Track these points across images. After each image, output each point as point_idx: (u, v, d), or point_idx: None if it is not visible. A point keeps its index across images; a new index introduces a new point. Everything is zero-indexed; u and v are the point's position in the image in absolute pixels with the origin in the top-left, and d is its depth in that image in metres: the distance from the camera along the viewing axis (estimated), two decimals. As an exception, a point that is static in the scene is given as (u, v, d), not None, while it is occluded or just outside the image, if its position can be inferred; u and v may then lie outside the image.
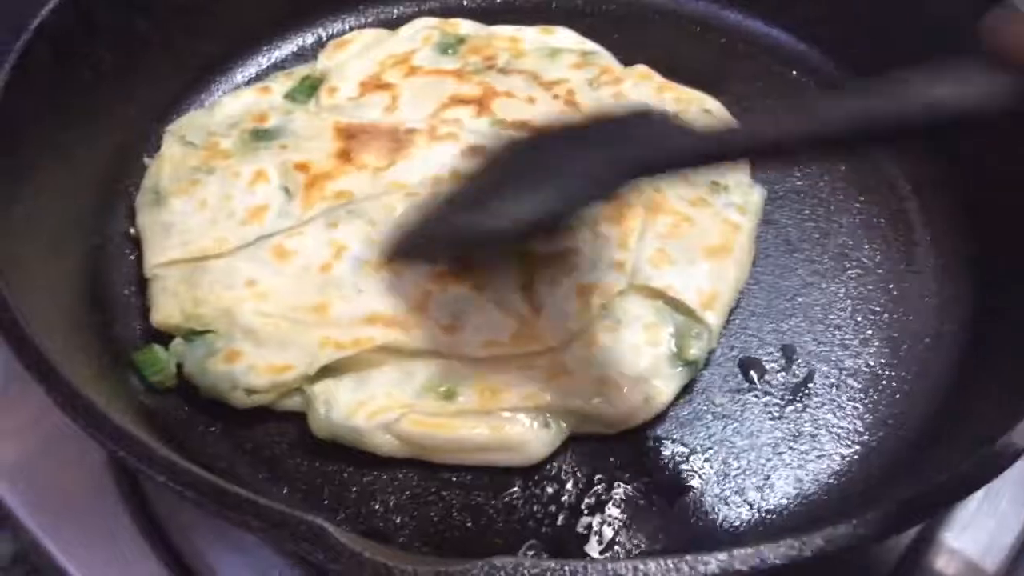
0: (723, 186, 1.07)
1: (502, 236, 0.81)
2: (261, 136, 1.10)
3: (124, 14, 1.11)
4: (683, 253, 1.00)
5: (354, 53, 1.22)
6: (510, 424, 0.89)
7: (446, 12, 1.33)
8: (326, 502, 0.88)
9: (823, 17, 1.27)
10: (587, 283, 0.96)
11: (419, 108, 1.14)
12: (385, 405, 0.88)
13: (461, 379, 0.91)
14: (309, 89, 1.18)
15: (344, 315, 0.93)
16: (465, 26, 1.26)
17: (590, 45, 1.25)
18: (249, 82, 1.26)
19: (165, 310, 0.96)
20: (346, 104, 1.15)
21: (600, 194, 0.79)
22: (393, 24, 1.32)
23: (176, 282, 0.98)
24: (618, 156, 0.77)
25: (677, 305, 0.96)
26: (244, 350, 0.91)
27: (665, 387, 0.92)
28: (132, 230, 1.06)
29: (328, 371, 0.91)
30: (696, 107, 1.16)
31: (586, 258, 0.98)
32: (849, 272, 1.05)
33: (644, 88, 1.17)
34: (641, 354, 0.93)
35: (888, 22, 1.20)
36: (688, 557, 0.65)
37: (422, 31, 1.25)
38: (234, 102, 1.16)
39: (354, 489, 0.88)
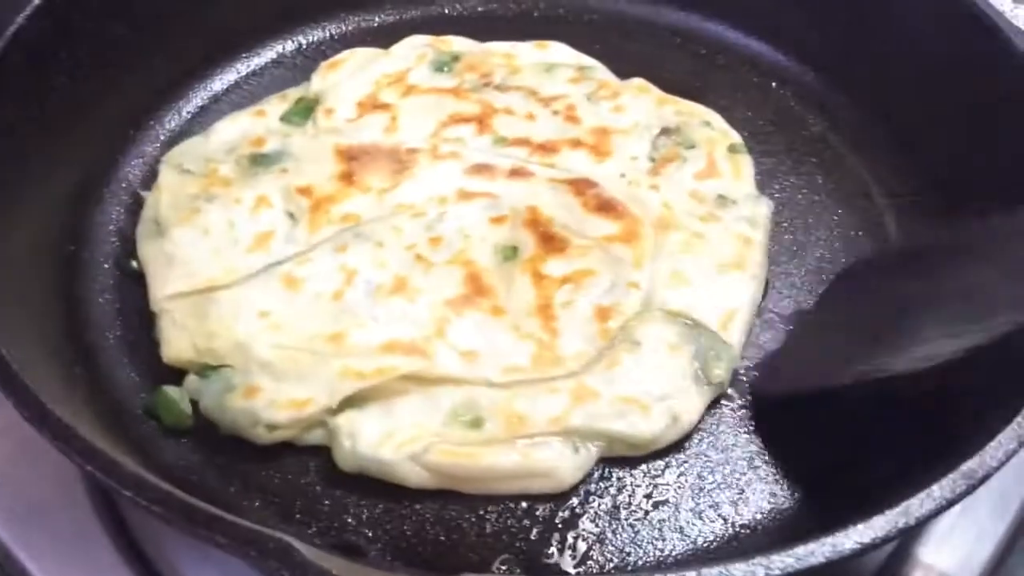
0: (731, 200, 1.07)
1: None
2: (260, 161, 1.09)
3: (101, 20, 1.10)
4: (698, 271, 1.00)
5: (347, 73, 1.21)
6: (539, 450, 0.87)
7: (428, 21, 1.33)
8: (298, 516, 0.87)
9: (802, 29, 1.27)
10: (604, 305, 0.96)
11: (419, 127, 1.13)
12: (412, 435, 0.87)
13: (486, 406, 0.89)
14: (305, 111, 1.16)
15: (362, 344, 0.92)
16: (458, 43, 1.26)
17: (586, 59, 1.24)
18: (228, 89, 1.25)
19: (176, 345, 0.94)
20: (344, 125, 1.13)
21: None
22: (374, 32, 1.32)
23: (185, 315, 0.96)
24: None
25: (697, 324, 0.96)
26: (262, 385, 0.90)
27: (692, 407, 0.92)
28: (134, 263, 1.03)
29: (350, 402, 0.89)
30: (697, 120, 1.16)
31: (601, 279, 0.97)
32: (824, 283, 1.05)
33: (643, 101, 1.17)
34: (665, 375, 0.92)
35: (866, 33, 1.21)
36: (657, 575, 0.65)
37: (415, 49, 1.24)
38: (229, 127, 1.14)
39: (327, 502, 0.88)
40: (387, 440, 0.87)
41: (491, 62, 1.22)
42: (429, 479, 0.87)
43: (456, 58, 1.23)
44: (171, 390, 0.93)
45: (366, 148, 1.10)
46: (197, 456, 0.91)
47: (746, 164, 1.12)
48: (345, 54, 1.24)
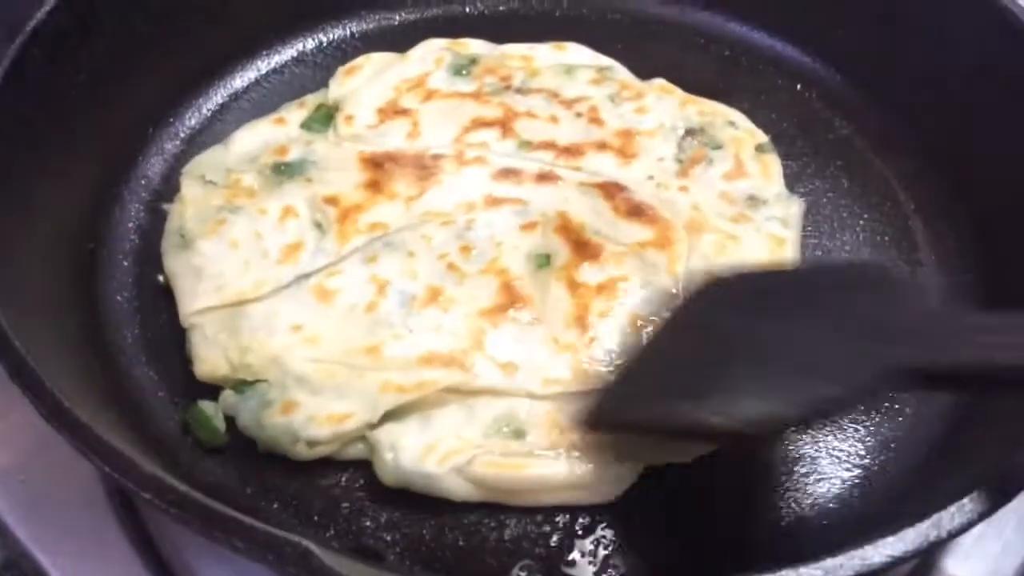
0: (762, 200, 1.06)
1: (726, 434, 0.72)
2: (284, 170, 1.07)
3: (122, 17, 1.09)
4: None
5: (366, 79, 1.19)
6: (583, 461, 0.86)
7: (450, 21, 1.32)
8: (316, 518, 0.86)
9: (828, 30, 1.25)
10: (641, 313, 0.94)
11: (442, 133, 1.11)
12: (455, 447, 0.86)
13: (527, 417, 0.88)
14: (325, 118, 1.14)
15: (399, 356, 0.91)
16: (475, 46, 1.24)
17: (605, 60, 1.23)
18: (248, 87, 1.25)
19: (210, 361, 0.93)
20: (366, 132, 1.12)
21: (854, 401, 0.70)
22: (395, 31, 1.31)
23: (216, 330, 0.94)
24: (886, 355, 0.65)
25: None
26: (300, 400, 0.88)
27: None
28: (160, 277, 1.02)
29: (390, 415, 0.88)
30: (721, 120, 1.14)
31: (637, 286, 0.96)
32: (852, 291, 1.04)
33: (667, 103, 1.16)
34: None
35: (894, 36, 1.19)
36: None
37: (433, 53, 1.22)
38: (249, 136, 1.13)
39: (345, 505, 0.87)
40: (430, 453, 0.85)
41: (510, 64, 1.21)
42: (474, 492, 0.85)
43: (474, 61, 1.21)
44: (206, 405, 0.91)
45: (390, 155, 1.08)
46: (214, 458, 0.90)
47: (774, 163, 1.11)
48: (361, 59, 1.22)
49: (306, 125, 1.14)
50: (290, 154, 1.09)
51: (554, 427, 0.87)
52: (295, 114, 1.16)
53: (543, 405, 0.89)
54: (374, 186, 1.05)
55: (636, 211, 1.02)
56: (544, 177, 1.06)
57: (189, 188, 1.07)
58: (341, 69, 1.21)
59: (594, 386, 0.89)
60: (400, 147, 1.10)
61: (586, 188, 1.05)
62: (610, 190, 1.04)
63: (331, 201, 1.03)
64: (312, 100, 1.18)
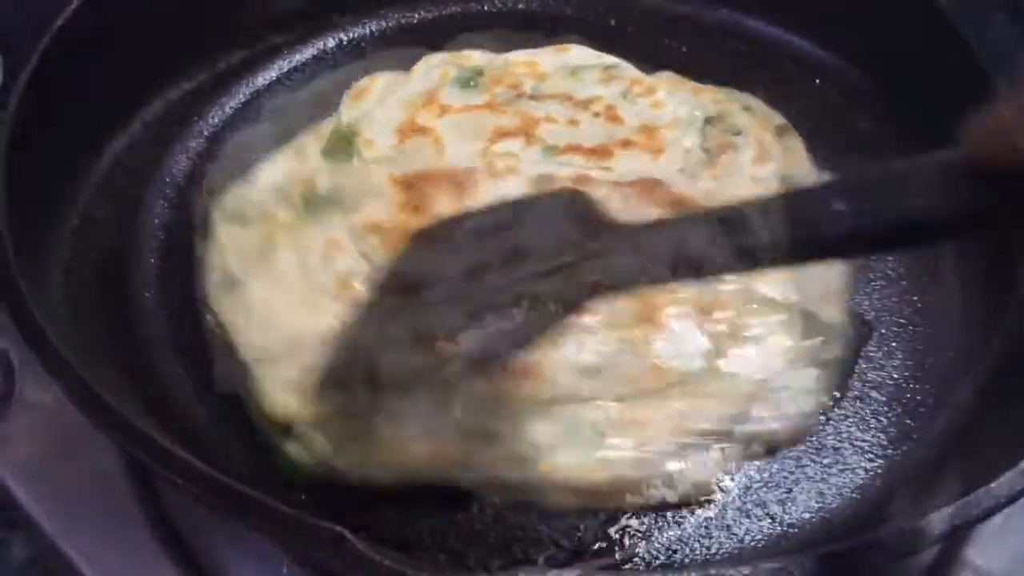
0: (795, 181, 1.07)
1: None
2: (317, 202, 1.05)
3: (143, 19, 1.10)
4: None
5: (376, 100, 1.17)
6: (670, 459, 0.86)
7: (468, 19, 1.33)
8: (344, 508, 0.86)
9: (845, 25, 1.25)
10: (705, 302, 0.94)
11: (467, 147, 1.09)
12: (540, 455, 0.86)
13: (606, 419, 0.88)
14: (344, 144, 1.11)
15: None
16: (477, 57, 1.22)
17: (608, 58, 1.22)
18: (270, 85, 1.26)
19: (281, 399, 0.90)
20: (391, 154, 1.09)
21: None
22: (414, 28, 1.32)
23: (282, 368, 0.92)
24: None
25: (799, 310, 0.95)
26: (384, 428, 0.87)
27: (815, 396, 0.91)
28: (209, 316, 0.99)
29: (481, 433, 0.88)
30: (736, 106, 1.14)
31: None
32: (873, 283, 1.04)
33: (680, 94, 1.15)
34: (779, 366, 0.91)
35: (910, 30, 1.19)
36: (712, 570, 0.64)
37: (436, 68, 1.20)
38: (271, 169, 1.09)
39: (373, 496, 0.87)
40: (525, 462, 0.86)
41: (516, 72, 1.19)
42: (566, 497, 0.86)
43: (480, 72, 1.20)
44: (291, 448, 0.89)
45: (421, 175, 1.06)
46: (241, 448, 0.91)
47: (797, 143, 1.11)
48: (365, 81, 1.20)
49: (327, 154, 1.11)
50: (319, 185, 1.07)
51: (634, 426, 0.87)
52: (313, 144, 1.13)
53: (622, 406, 0.89)
54: (412, 208, 1.02)
55: (678, 204, 1.02)
56: (580, 180, 1.04)
57: (224, 228, 1.04)
58: (349, 93, 1.19)
59: (668, 381, 0.90)
60: (428, 166, 1.07)
61: (623, 188, 1.03)
62: (648, 186, 1.03)
63: (373, 228, 1.01)
64: (326, 127, 1.15)
